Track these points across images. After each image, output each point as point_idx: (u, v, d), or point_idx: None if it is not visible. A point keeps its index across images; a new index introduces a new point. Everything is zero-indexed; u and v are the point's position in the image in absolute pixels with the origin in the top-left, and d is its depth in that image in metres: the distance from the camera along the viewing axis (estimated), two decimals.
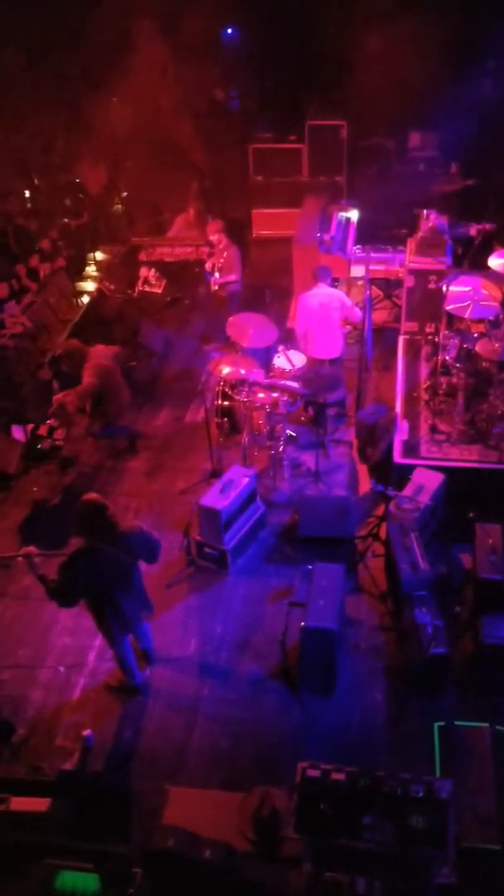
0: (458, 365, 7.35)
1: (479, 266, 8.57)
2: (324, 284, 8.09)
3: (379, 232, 10.12)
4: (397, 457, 7.29)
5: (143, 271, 10.76)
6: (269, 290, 10.17)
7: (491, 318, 7.44)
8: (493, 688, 5.63)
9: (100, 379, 7.44)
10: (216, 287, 9.44)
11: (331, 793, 4.28)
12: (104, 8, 10.50)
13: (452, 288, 7.55)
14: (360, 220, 10.06)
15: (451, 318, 7.94)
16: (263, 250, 11.82)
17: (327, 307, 7.98)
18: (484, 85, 12.47)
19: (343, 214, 9.94)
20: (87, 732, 5.52)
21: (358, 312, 8.24)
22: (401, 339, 8.88)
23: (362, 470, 7.79)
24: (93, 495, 5.31)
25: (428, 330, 8.56)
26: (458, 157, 12.05)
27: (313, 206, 10.13)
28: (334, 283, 8.90)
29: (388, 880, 4.02)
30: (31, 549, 5.32)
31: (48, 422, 7.80)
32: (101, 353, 7.66)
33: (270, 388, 7.49)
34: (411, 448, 7.38)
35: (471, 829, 4.69)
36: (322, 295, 8.03)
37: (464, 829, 4.62)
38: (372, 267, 9.01)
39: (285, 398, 7.46)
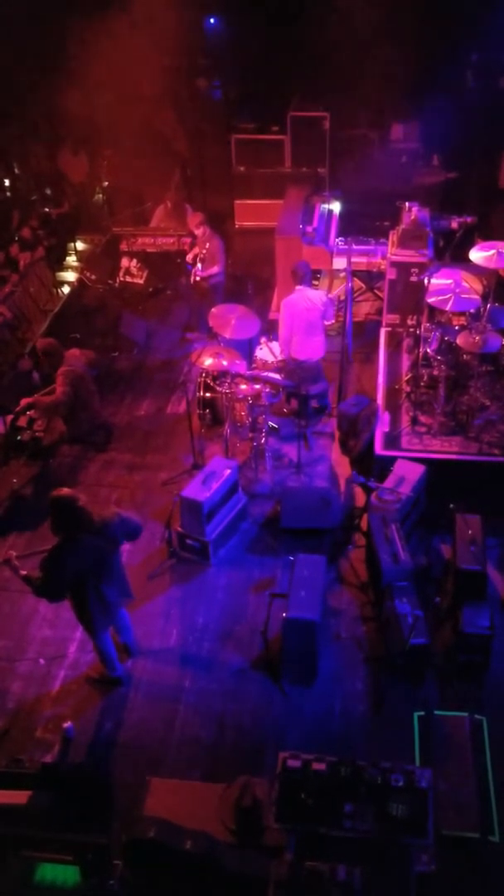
0: (439, 357, 7.38)
1: (461, 258, 8.61)
2: (304, 286, 7.75)
3: (361, 223, 10.11)
4: (379, 448, 7.32)
5: (125, 261, 10.70)
6: (251, 281, 10.15)
7: (472, 310, 7.48)
8: (473, 677, 5.68)
9: (72, 388, 7.40)
10: (198, 278, 9.39)
11: (311, 782, 4.29)
12: None
13: (434, 280, 7.57)
14: (343, 212, 10.05)
15: (433, 311, 7.97)
16: (246, 241, 11.78)
17: (312, 311, 7.65)
18: (466, 78, 12.52)
19: (325, 206, 9.92)
20: (67, 724, 5.49)
21: (331, 314, 8.01)
22: (382, 331, 8.91)
23: (343, 462, 7.80)
24: (62, 490, 5.21)
25: (409, 322, 8.60)
26: (440, 150, 12.10)
27: (296, 197, 10.10)
28: (315, 275, 8.85)
29: (369, 868, 4.04)
30: (10, 552, 5.33)
31: (28, 413, 7.73)
32: (75, 359, 7.60)
33: (253, 379, 7.47)
34: (392, 440, 7.42)
35: (450, 817, 4.74)
36: (305, 299, 7.66)
37: (443, 817, 4.66)
38: (354, 259, 9.01)
39: (267, 390, 7.44)
